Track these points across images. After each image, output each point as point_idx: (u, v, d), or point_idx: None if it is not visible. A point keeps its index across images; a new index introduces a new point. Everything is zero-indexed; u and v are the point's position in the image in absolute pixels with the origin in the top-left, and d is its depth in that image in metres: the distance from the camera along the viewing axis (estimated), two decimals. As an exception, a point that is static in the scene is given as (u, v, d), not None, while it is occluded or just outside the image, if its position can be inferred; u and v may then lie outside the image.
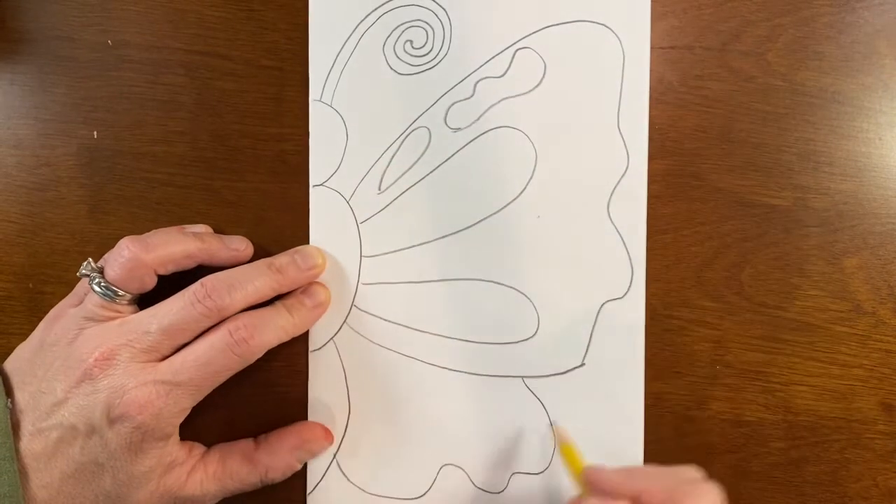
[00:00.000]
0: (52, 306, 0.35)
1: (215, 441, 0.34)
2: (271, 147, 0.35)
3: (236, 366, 0.30)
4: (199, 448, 0.32)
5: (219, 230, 0.35)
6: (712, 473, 0.34)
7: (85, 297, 0.31)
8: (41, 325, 0.32)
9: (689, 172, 0.34)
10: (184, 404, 0.30)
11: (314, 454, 0.34)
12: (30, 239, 0.35)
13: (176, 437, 0.31)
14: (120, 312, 0.31)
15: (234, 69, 0.34)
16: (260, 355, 0.31)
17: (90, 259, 0.31)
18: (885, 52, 0.34)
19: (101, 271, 0.31)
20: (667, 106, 0.34)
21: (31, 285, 0.35)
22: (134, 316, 0.31)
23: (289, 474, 0.33)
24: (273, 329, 0.31)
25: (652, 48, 0.34)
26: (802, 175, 0.34)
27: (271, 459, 0.33)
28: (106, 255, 0.32)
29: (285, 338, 0.32)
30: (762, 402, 0.34)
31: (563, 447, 0.32)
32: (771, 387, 0.34)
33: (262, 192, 0.35)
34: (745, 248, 0.34)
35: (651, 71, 0.34)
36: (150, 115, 0.35)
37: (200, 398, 0.30)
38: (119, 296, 0.31)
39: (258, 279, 0.31)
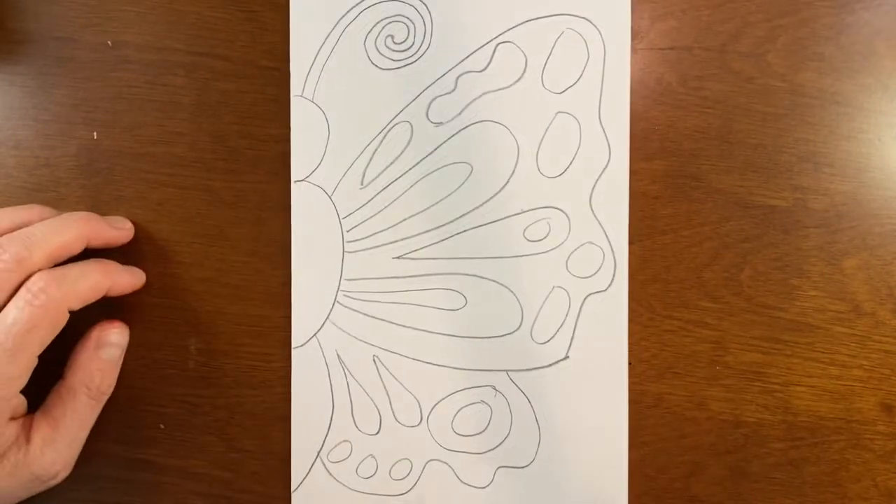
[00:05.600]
0: (51, 307, 0.35)
1: (213, 436, 0.35)
2: (270, 148, 0.35)
3: (43, 320, 0.29)
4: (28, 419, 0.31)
5: (218, 230, 0.35)
6: (712, 473, 0.34)
7: None
8: None
9: (688, 173, 0.34)
10: (8, 373, 0.29)
11: (116, 343, 0.34)
12: (29, 240, 0.35)
13: (13, 409, 0.30)
14: None
15: (234, 70, 0.34)
16: (73, 307, 0.30)
17: None
18: (884, 54, 0.34)
19: None
20: (666, 107, 0.34)
21: (30, 286, 0.35)
22: None
23: (113, 374, 0.33)
24: (79, 277, 0.30)
25: (651, 49, 0.34)
26: (802, 176, 0.34)
27: (84, 375, 0.32)
28: None
29: (98, 289, 0.31)
30: (762, 402, 0.34)
31: None
32: (770, 387, 0.34)
33: (262, 193, 0.35)
34: (745, 249, 0.34)
35: (650, 71, 0.34)
36: (149, 115, 0.35)
37: (25, 364, 0.29)
38: None
39: (61, 227, 0.31)
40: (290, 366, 0.35)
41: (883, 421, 0.34)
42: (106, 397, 0.33)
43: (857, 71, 0.34)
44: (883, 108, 0.34)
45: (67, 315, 0.30)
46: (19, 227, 0.31)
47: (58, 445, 0.31)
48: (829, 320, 0.34)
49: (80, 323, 0.33)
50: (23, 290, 0.29)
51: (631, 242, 0.34)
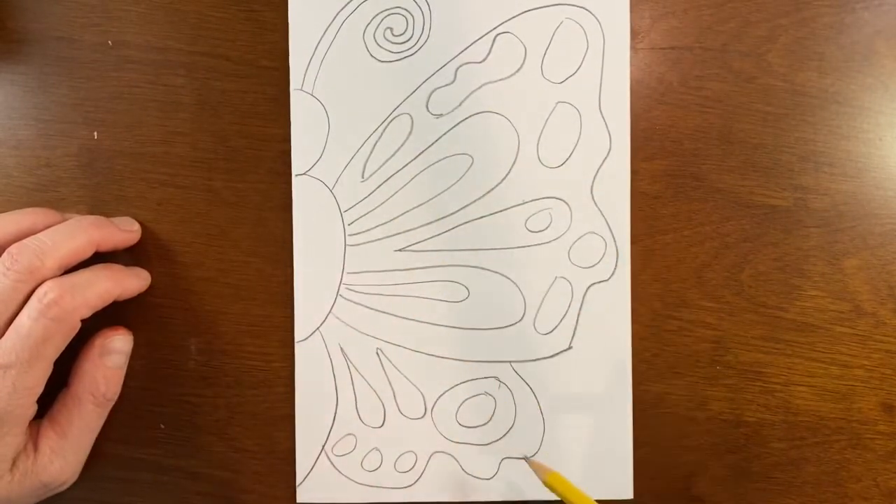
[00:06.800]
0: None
1: (214, 436, 0.34)
2: (271, 147, 0.35)
3: (57, 332, 0.29)
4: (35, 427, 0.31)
5: (219, 230, 0.35)
6: (713, 473, 0.34)
7: None
8: None
9: (689, 173, 0.34)
10: (26, 383, 0.29)
11: (120, 350, 0.33)
12: (30, 239, 0.35)
13: (29, 417, 0.30)
14: None
15: (235, 70, 0.34)
16: (84, 316, 0.30)
17: None
18: (884, 53, 0.34)
19: None
20: (667, 106, 0.34)
21: (31, 286, 0.35)
22: None
23: (118, 381, 0.33)
24: (89, 286, 0.30)
25: (652, 48, 0.34)
26: (802, 175, 0.34)
27: (90, 383, 0.32)
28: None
29: (108, 297, 0.31)
30: (762, 402, 0.34)
31: (551, 476, 0.31)
32: (771, 387, 0.34)
33: (262, 192, 0.35)
34: (746, 249, 0.34)
35: (651, 71, 0.34)
36: (150, 115, 0.35)
37: (41, 374, 0.29)
38: None
39: (72, 233, 0.30)
40: (291, 365, 0.35)
41: (884, 421, 0.34)
42: (111, 404, 0.33)
43: (857, 70, 0.34)
44: (883, 107, 0.34)
45: (79, 324, 0.30)
46: (25, 232, 0.31)
47: (66, 453, 0.31)
48: (829, 320, 0.34)
49: (83, 325, 0.32)
50: (34, 300, 0.29)
51: (632, 242, 0.34)
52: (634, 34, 0.34)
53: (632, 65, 0.34)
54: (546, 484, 0.31)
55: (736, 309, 0.34)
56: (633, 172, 0.34)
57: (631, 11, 0.34)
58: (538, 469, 0.32)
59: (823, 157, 0.34)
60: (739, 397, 0.34)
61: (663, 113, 0.34)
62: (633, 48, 0.34)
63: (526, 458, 0.33)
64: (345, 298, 0.34)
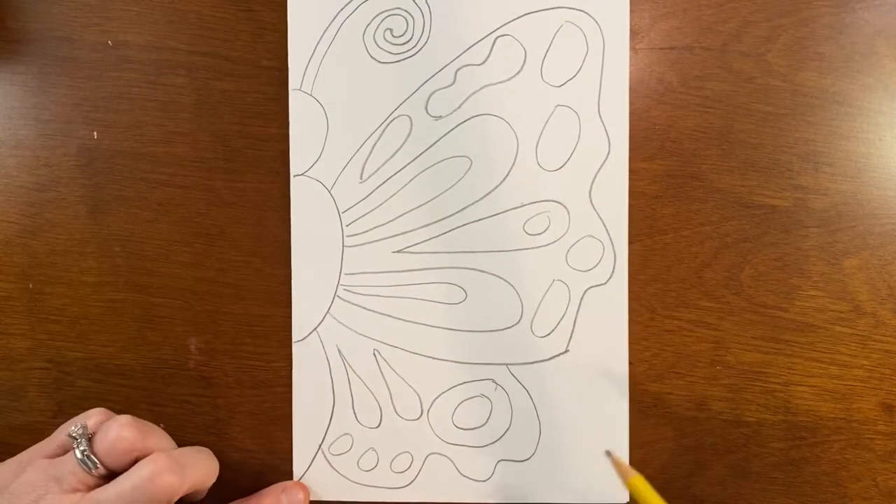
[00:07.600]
0: (52, 307, 0.35)
1: (214, 436, 0.34)
2: (271, 147, 0.35)
3: None
4: None
5: (219, 230, 0.35)
6: (712, 473, 0.34)
7: (63, 454, 0.30)
8: (9, 464, 0.30)
9: (689, 173, 0.34)
10: None
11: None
12: (30, 239, 0.35)
13: None
14: (87, 486, 0.29)
15: (235, 70, 0.34)
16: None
17: (84, 424, 0.30)
18: (884, 53, 0.34)
19: (89, 438, 0.29)
20: (667, 106, 0.34)
21: (31, 286, 0.35)
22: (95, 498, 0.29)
23: None
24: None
25: (652, 48, 0.34)
26: (802, 175, 0.34)
27: None
28: (103, 425, 0.30)
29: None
30: (762, 402, 0.34)
31: (634, 479, 0.30)
32: (771, 387, 0.34)
33: (262, 192, 0.35)
34: (745, 249, 0.34)
35: (651, 71, 0.34)
36: (150, 115, 0.35)
37: None
38: (96, 468, 0.29)
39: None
40: (290, 365, 0.35)
41: (883, 421, 0.34)
42: None
43: (857, 70, 0.34)
44: (883, 107, 0.34)
45: None
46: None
47: None
48: (829, 320, 0.34)
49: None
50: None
51: (631, 242, 0.34)
52: (634, 34, 0.34)
53: (631, 65, 0.34)
54: (627, 485, 0.30)
55: (736, 309, 0.34)
56: (633, 173, 0.34)
57: (631, 12, 0.34)
58: (621, 468, 0.31)
59: (823, 157, 0.34)
60: (739, 397, 0.34)
61: (663, 113, 0.34)
62: (633, 48, 0.34)
63: (608, 453, 0.32)
64: (342, 299, 0.34)
